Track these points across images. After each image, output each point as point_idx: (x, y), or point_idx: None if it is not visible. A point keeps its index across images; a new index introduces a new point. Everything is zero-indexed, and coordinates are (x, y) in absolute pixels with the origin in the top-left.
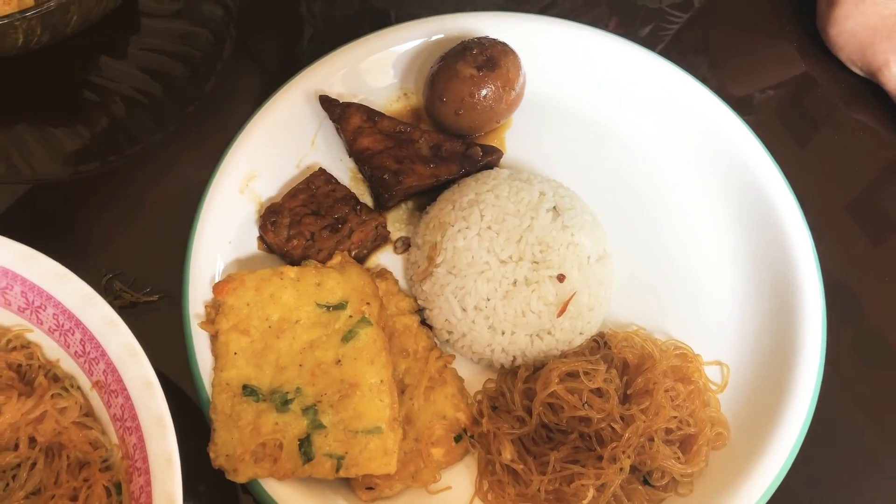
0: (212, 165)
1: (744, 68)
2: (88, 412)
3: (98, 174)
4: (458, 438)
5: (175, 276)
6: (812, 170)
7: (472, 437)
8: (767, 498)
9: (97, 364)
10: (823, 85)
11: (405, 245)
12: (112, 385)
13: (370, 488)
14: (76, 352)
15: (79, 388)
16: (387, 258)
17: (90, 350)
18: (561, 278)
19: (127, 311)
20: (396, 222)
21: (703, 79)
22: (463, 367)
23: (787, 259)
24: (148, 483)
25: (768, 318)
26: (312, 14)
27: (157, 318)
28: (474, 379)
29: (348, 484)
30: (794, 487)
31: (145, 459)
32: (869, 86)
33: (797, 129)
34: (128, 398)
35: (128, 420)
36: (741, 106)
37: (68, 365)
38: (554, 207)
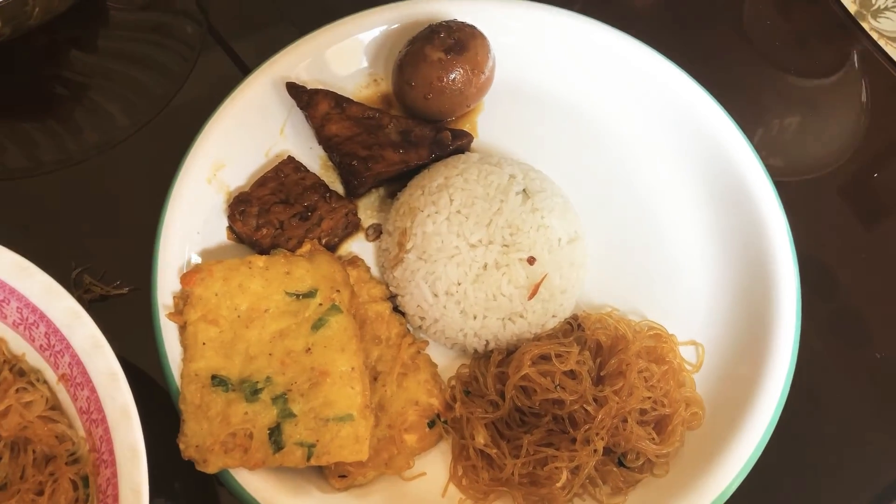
0: (181, 156)
1: (720, 46)
2: (55, 406)
3: (67, 167)
4: (431, 424)
5: (145, 268)
6: (786, 148)
7: (445, 422)
8: (744, 476)
9: (62, 357)
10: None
11: (377, 232)
12: (77, 378)
13: (343, 476)
14: (41, 345)
15: (45, 381)
16: (359, 246)
17: (55, 343)
18: (531, 261)
19: (97, 304)
20: (368, 209)
21: (676, 59)
22: (436, 353)
23: (761, 238)
24: (115, 475)
25: (743, 296)
26: (284, 2)
27: (128, 310)
28: (448, 364)
29: (321, 472)
30: (771, 465)
31: (112, 451)
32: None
33: (773, 107)
34: (93, 390)
35: (94, 412)
36: (716, 86)
37: (34, 359)
38: (524, 190)
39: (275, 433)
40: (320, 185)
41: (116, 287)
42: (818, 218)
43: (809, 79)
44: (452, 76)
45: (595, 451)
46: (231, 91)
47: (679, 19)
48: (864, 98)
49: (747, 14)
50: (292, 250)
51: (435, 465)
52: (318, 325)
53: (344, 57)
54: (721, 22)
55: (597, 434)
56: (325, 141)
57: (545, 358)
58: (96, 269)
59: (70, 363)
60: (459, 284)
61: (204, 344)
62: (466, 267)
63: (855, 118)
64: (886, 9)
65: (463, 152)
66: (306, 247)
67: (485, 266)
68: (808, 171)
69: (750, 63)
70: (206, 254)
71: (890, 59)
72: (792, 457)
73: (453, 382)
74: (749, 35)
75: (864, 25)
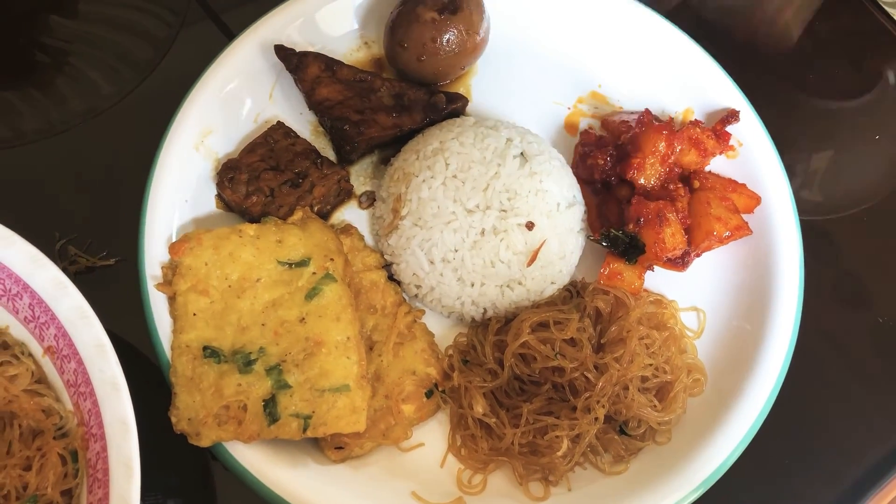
0: (167, 123)
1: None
2: (41, 379)
3: (50, 136)
4: (429, 394)
5: (132, 238)
6: (788, 114)
7: (443, 392)
8: (747, 442)
9: (48, 329)
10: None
11: (370, 199)
12: (64, 350)
13: (340, 448)
14: (26, 317)
15: (30, 354)
16: (352, 214)
17: (40, 314)
18: (530, 226)
19: (83, 276)
20: (361, 176)
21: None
22: (433, 322)
23: (764, 203)
24: (104, 449)
25: (745, 262)
26: None
27: (115, 282)
28: (445, 333)
29: (317, 444)
30: (773, 430)
31: (101, 425)
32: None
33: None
34: (80, 363)
35: (81, 385)
36: (714, 41)
37: (18, 331)
38: (521, 154)
39: (269, 405)
40: (311, 151)
41: (102, 258)
42: (820, 181)
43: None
44: (446, 37)
45: (596, 419)
46: (218, 54)
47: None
48: None
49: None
50: (283, 218)
51: (433, 436)
52: (311, 294)
53: (334, 19)
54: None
55: (598, 402)
56: (315, 105)
57: (544, 325)
58: (81, 240)
59: (56, 335)
60: (456, 251)
61: (194, 315)
62: (463, 233)
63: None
64: None
65: (458, 116)
66: (298, 214)
67: (482, 232)
68: (808, 133)
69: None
70: (194, 223)
71: None
72: (795, 423)
73: (451, 351)
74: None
75: None
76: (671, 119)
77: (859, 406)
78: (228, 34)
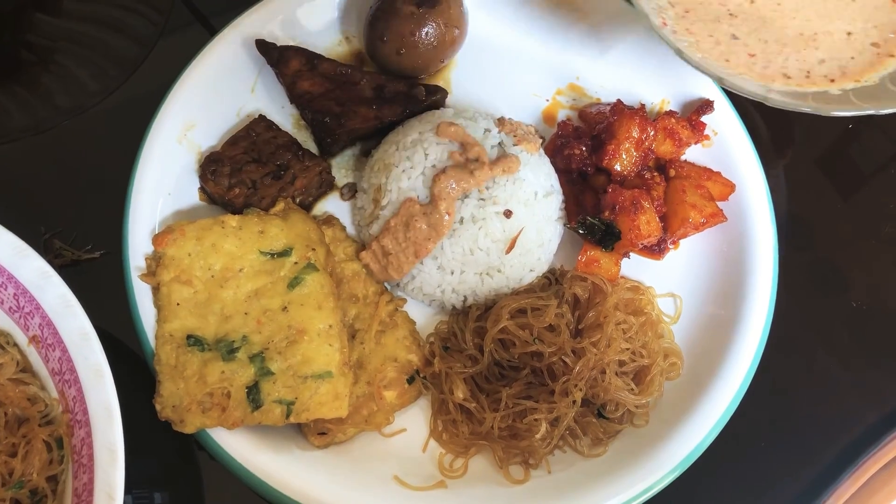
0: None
1: None
2: (26, 368)
3: (36, 134)
4: (410, 380)
5: (116, 232)
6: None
7: (424, 378)
8: (723, 424)
9: (32, 318)
10: None
11: (352, 191)
12: (49, 339)
13: (323, 434)
14: (10, 307)
15: (15, 344)
16: (334, 205)
17: (24, 304)
18: (508, 214)
19: (68, 269)
20: (342, 169)
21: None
22: (415, 311)
23: (738, 190)
24: (89, 434)
25: (720, 248)
26: None
27: (100, 275)
28: (427, 322)
29: (301, 431)
30: (749, 412)
31: (85, 412)
32: None
33: None
34: (65, 351)
35: (66, 373)
36: None
37: (3, 321)
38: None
39: (253, 391)
40: (293, 144)
41: (87, 251)
42: (795, 169)
43: None
44: (425, 30)
45: (574, 402)
46: (200, 49)
47: None
48: None
49: None
50: (266, 209)
51: (415, 421)
52: (293, 283)
53: (315, 14)
54: None
55: (575, 385)
56: (296, 98)
57: (523, 312)
58: (66, 233)
59: (41, 324)
60: None
61: (178, 304)
62: None
63: None
64: None
65: (438, 108)
66: (280, 205)
67: (461, 220)
68: (782, 119)
69: None
70: (177, 215)
71: None
72: (771, 405)
73: (432, 338)
74: None
75: None
76: (642, 105)
77: (834, 388)
78: (212, 31)
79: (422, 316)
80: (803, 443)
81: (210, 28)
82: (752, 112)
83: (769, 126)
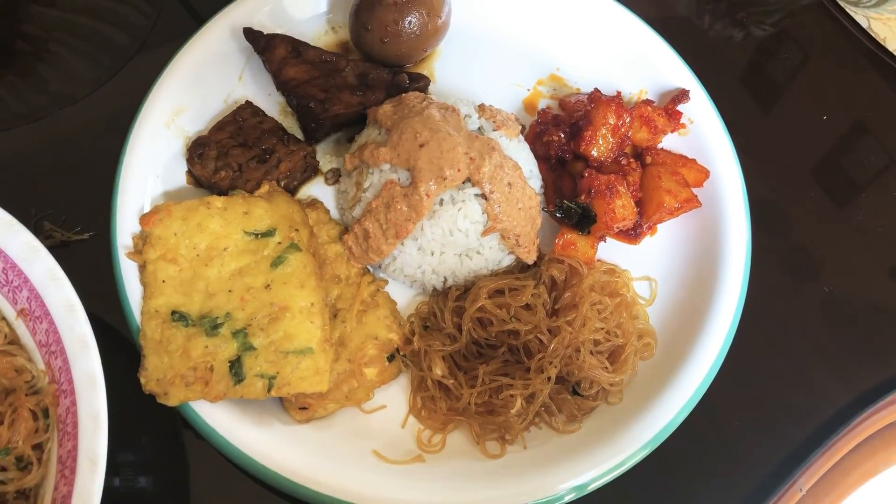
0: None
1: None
2: (13, 340)
3: (30, 122)
4: (390, 358)
5: (106, 214)
6: (739, 95)
7: (404, 356)
8: (694, 403)
9: (20, 292)
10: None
11: (336, 176)
12: (36, 311)
13: (304, 409)
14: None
15: (3, 318)
16: (318, 190)
17: (13, 278)
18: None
19: (58, 250)
20: (327, 155)
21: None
22: (396, 292)
23: (713, 176)
24: (74, 404)
25: (695, 234)
26: None
27: (89, 257)
28: (408, 303)
29: (282, 406)
30: (721, 393)
31: (70, 381)
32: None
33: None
34: (52, 322)
35: (52, 344)
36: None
37: None
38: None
39: (235, 366)
40: (278, 129)
41: (77, 233)
42: (771, 159)
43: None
44: (408, 19)
45: (549, 378)
46: (189, 37)
47: None
48: None
49: None
50: (251, 192)
51: (395, 398)
52: (277, 262)
53: (302, 4)
54: None
55: (550, 363)
56: (282, 85)
57: (501, 292)
58: (56, 216)
59: (28, 297)
60: None
61: (163, 282)
62: None
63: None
64: None
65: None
66: (265, 188)
67: (440, 202)
68: (756, 110)
69: None
70: (165, 197)
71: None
72: (743, 386)
73: (412, 318)
74: None
75: None
76: (619, 93)
77: (806, 370)
78: (203, 22)
79: (403, 297)
80: (774, 424)
81: (199, 17)
82: (727, 101)
83: (744, 113)
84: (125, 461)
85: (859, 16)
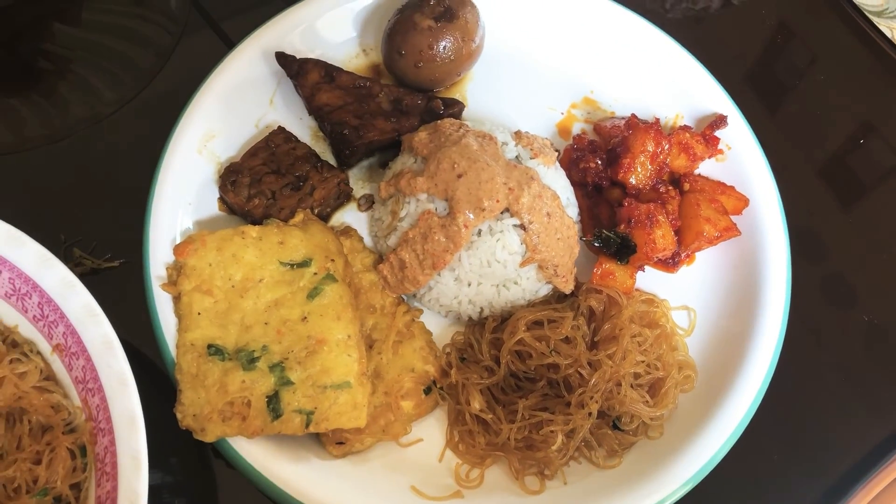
0: (169, 130)
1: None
2: (49, 376)
3: (54, 142)
4: (427, 390)
5: (136, 241)
6: (775, 119)
7: (441, 388)
8: (737, 437)
9: (56, 327)
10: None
11: (369, 202)
12: (72, 347)
13: (341, 443)
14: (34, 316)
15: (38, 352)
16: (351, 216)
17: (49, 313)
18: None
19: (88, 278)
20: (360, 180)
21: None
22: (431, 321)
23: (752, 204)
24: (112, 443)
25: (734, 262)
26: None
27: (120, 284)
28: (443, 332)
29: (319, 440)
30: (762, 427)
31: (109, 420)
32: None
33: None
34: (89, 359)
35: (90, 381)
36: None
37: (27, 330)
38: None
39: (273, 401)
40: (311, 155)
41: (107, 260)
42: (809, 187)
43: None
44: (443, 44)
45: (590, 414)
46: (221, 60)
47: None
48: None
49: None
50: (284, 220)
51: (431, 431)
52: (313, 293)
53: (334, 27)
54: None
55: (591, 398)
56: (315, 110)
57: (539, 324)
58: (86, 242)
59: (64, 333)
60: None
61: (199, 314)
62: None
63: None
64: None
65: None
66: (299, 216)
67: (479, 232)
68: (796, 137)
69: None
70: (197, 225)
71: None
72: (783, 419)
73: (448, 349)
74: None
75: None
76: (657, 119)
77: (846, 402)
78: (228, 42)
79: (438, 326)
80: (814, 457)
81: (224, 36)
82: (766, 127)
83: (782, 141)
84: (155, 486)
85: (882, 26)
